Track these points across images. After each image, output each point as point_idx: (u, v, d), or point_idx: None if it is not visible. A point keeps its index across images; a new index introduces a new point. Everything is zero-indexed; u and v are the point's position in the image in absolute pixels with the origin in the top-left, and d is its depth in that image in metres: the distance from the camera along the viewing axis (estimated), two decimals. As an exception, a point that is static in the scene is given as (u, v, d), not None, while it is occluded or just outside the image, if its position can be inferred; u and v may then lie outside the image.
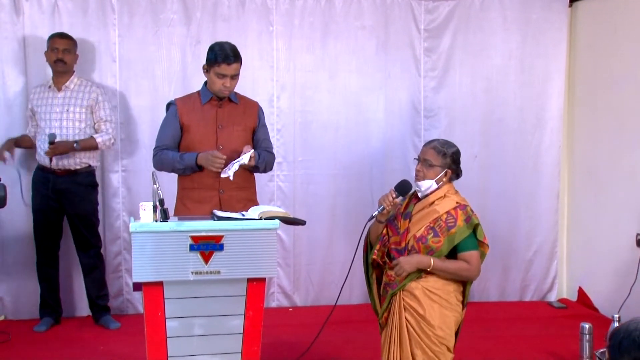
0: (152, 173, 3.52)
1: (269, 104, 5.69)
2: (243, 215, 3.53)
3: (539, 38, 5.95)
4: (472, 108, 5.95)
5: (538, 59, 5.97)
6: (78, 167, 5.13)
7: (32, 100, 5.20)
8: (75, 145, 5.05)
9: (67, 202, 5.15)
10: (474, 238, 3.50)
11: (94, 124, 5.20)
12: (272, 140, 5.61)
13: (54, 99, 5.13)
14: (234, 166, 3.90)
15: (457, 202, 3.51)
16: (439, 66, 5.91)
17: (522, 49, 5.96)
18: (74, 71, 5.21)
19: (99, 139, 5.14)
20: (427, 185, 3.55)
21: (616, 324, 4.39)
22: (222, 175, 3.93)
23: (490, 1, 5.90)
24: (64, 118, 5.10)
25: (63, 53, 5.09)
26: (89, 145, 5.12)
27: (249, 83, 5.58)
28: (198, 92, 4.18)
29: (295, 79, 5.75)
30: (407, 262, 3.45)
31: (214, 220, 3.43)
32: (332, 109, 5.82)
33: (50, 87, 5.16)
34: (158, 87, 5.53)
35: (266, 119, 5.60)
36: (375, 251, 3.66)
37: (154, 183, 3.37)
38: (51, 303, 5.30)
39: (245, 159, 3.91)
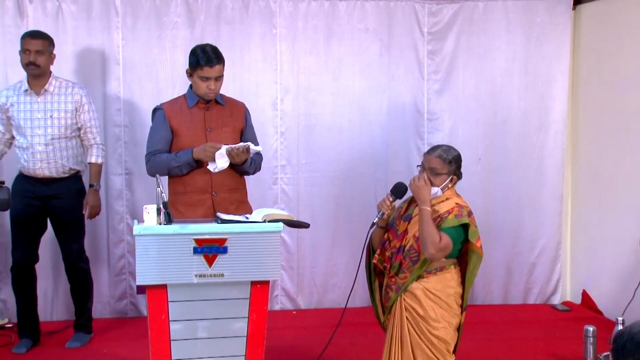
0: (156, 176, 3.53)
1: (273, 106, 5.70)
2: (247, 218, 3.53)
3: (543, 41, 5.95)
4: (476, 111, 5.95)
5: (542, 62, 5.96)
6: (64, 175, 4.83)
7: (6, 105, 4.78)
8: (95, 186, 4.89)
9: (52, 210, 4.84)
10: (460, 234, 3.50)
11: (79, 128, 4.87)
12: (276, 142, 5.70)
13: (33, 104, 4.76)
14: (223, 159, 3.91)
15: (456, 203, 3.55)
16: (442, 69, 5.91)
17: (525, 51, 5.95)
18: (50, 72, 4.84)
19: (97, 159, 4.91)
20: (432, 192, 3.58)
21: (620, 327, 4.39)
22: (214, 169, 3.94)
23: (494, 4, 5.89)
24: (48, 125, 4.74)
25: (36, 55, 4.71)
26: (98, 172, 4.92)
27: (253, 85, 5.60)
28: (184, 95, 4.18)
29: (298, 82, 5.75)
30: (419, 188, 3.52)
31: (218, 223, 3.44)
32: (335, 111, 5.82)
33: (26, 91, 4.77)
34: (162, 89, 5.53)
35: (270, 121, 5.66)
36: (376, 256, 3.70)
37: (158, 186, 3.38)
38: (29, 321, 4.94)
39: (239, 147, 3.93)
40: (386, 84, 5.86)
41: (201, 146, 3.94)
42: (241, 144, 3.91)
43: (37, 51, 4.72)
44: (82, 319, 5.07)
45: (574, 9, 5.97)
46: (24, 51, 4.74)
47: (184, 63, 5.50)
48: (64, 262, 5.02)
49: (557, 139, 6.01)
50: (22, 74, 5.10)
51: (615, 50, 5.59)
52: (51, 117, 4.77)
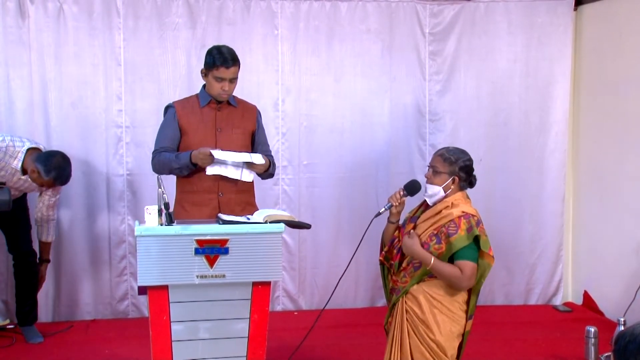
0: (157, 177, 3.53)
1: (274, 107, 5.70)
2: (248, 218, 3.53)
3: (544, 41, 5.95)
4: (477, 111, 5.95)
5: (543, 63, 5.96)
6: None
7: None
8: (48, 261, 5.16)
9: None
10: (475, 249, 3.42)
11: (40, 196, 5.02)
12: (277, 143, 5.70)
13: (19, 180, 4.79)
14: (243, 170, 3.94)
15: (462, 211, 3.45)
16: (444, 70, 5.91)
17: (527, 52, 5.95)
18: None
19: (49, 238, 5.10)
20: (434, 190, 3.53)
21: (622, 328, 4.39)
22: (245, 179, 4.04)
23: (495, 5, 5.89)
24: (21, 192, 4.92)
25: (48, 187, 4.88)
26: (50, 247, 5.15)
27: (254, 86, 5.60)
28: (196, 95, 4.20)
29: (300, 83, 5.75)
30: (408, 247, 3.45)
31: (219, 224, 3.44)
32: (337, 112, 5.82)
33: (14, 167, 4.73)
34: (163, 90, 5.53)
35: (271, 122, 5.66)
36: (383, 252, 3.70)
37: (159, 187, 3.38)
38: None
39: (255, 159, 3.96)
40: (388, 84, 5.86)
41: (197, 152, 3.94)
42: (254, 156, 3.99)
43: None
44: (33, 313, 5.15)
45: (575, 9, 5.97)
46: (45, 184, 4.77)
47: (185, 64, 5.55)
48: (14, 259, 5.11)
49: (558, 139, 6.01)
50: (25, 78, 5.29)
51: (617, 51, 5.59)
52: (25, 193, 5.02)
